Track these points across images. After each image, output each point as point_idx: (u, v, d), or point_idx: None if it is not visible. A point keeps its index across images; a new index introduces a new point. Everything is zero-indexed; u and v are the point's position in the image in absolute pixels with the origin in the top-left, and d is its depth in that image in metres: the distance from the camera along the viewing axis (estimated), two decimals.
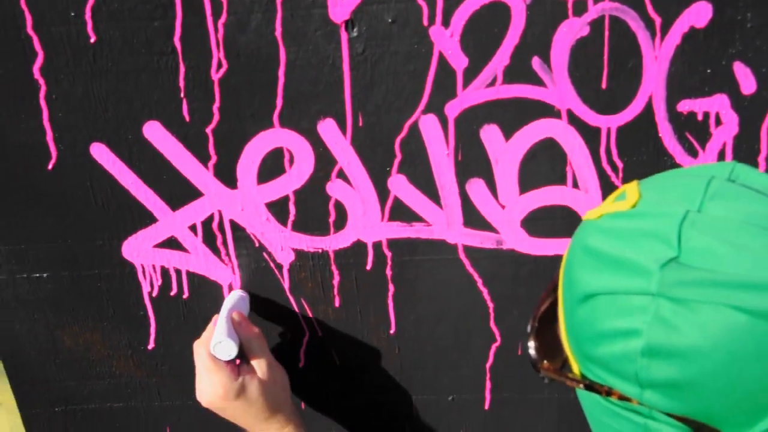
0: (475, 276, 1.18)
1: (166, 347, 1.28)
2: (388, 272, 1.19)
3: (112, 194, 1.16)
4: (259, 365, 1.12)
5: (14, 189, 1.16)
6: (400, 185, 1.13)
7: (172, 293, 1.24)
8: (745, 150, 1.05)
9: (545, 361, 0.77)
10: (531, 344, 0.78)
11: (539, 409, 1.27)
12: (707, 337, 0.60)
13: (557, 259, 1.15)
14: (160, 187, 1.16)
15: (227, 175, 1.14)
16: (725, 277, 0.60)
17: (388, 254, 1.18)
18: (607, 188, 1.09)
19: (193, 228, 1.18)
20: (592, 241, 0.69)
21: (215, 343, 1.08)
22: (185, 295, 1.24)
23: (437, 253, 1.17)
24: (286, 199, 1.15)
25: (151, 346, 1.28)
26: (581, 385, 0.72)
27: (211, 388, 1.08)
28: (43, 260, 1.22)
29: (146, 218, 1.18)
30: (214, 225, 1.18)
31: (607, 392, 0.70)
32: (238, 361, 1.11)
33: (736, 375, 0.60)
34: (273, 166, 1.13)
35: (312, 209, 1.16)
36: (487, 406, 1.28)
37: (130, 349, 1.29)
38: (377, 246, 1.18)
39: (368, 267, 1.19)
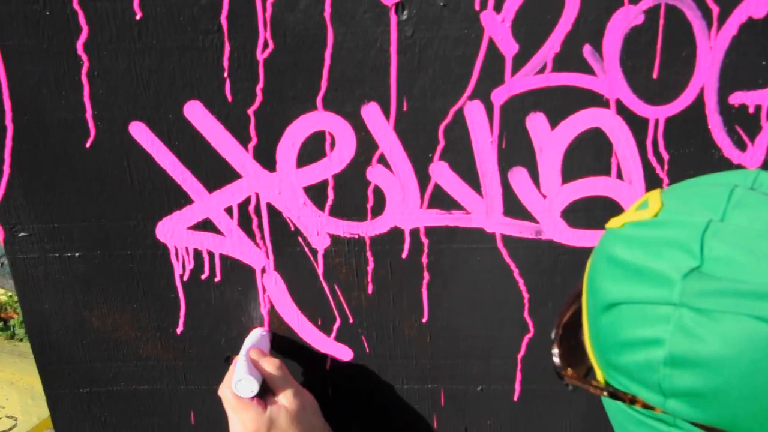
0: (512, 266, 1.17)
1: (195, 331, 1.27)
2: (424, 260, 1.18)
3: (148, 174, 1.15)
4: (285, 396, 1.12)
5: (51, 166, 1.15)
6: (441, 172, 1.12)
7: (204, 276, 1.22)
8: None
9: (569, 369, 0.78)
10: (555, 351, 0.79)
11: (568, 401, 1.26)
12: (729, 347, 0.60)
13: None
14: (198, 168, 1.14)
15: (267, 158, 1.13)
16: (747, 287, 0.60)
17: (425, 242, 1.17)
18: (652, 180, 1.09)
19: (229, 210, 1.17)
20: (614, 250, 0.70)
21: (236, 382, 1.09)
22: (217, 279, 1.22)
23: (475, 241, 1.16)
24: (324, 183, 1.14)
25: (180, 329, 1.27)
26: (605, 393, 0.73)
27: (241, 426, 1.09)
28: (75, 239, 1.20)
29: (182, 199, 1.17)
30: (251, 208, 1.17)
31: (631, 400, 0.70)
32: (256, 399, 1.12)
33: (758, 384, 0.60)
34: (313, 149, 1.12)
35: (350, 194, 1.15)
36: (516, 398, 1.27)
37: (159, 332, 1.27)
38: (414, 233, 1.16)
39: (404, 254, 1.18)
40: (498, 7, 1.01)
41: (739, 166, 1.06)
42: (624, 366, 0.69)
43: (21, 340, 3.76)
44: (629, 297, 0.67)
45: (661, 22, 1.00)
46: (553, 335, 0.80)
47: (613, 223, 0.73)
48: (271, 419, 1.09)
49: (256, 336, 1.22)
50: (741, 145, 1.05)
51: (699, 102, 1.03)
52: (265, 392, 1.13)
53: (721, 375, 0.61)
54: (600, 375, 0.74)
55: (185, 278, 1.22)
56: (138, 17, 1.05)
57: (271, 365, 1.14)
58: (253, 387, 1.09)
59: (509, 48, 1.04)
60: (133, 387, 1.32)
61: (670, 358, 0.64)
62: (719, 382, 0.62)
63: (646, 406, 0.69)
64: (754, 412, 0.62)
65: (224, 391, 1.11)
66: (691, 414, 0.65)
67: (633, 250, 0.68)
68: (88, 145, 1.13)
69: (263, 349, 1.19)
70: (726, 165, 1.06)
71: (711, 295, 0.61)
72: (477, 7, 1.02)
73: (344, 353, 1.26)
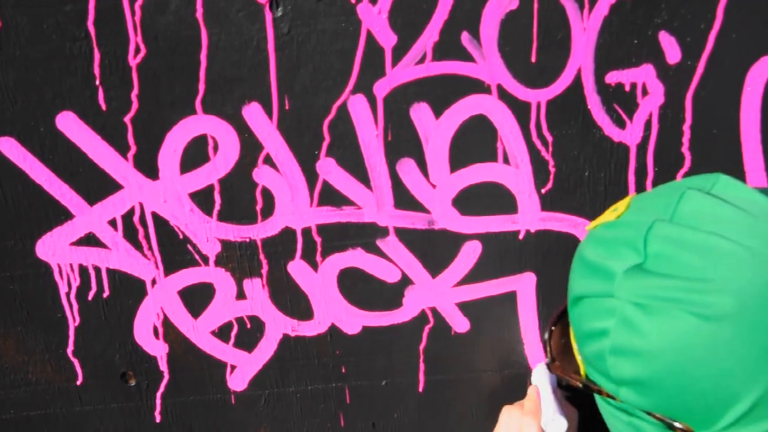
0: (403, 257, 1.16)
1: (87, 350, 1.22)
2: (318, 259, 1.16)
3: (23, 191, 1.10)
4: None
5: None
6: (328, 169, 1.11)
7: (92, 292, 1.18)
8: (670, 119, 1.06)
9: (556, 362, 0.84)
10: (547, 348, 0.85)
11: (473, 388, 1.26)
12: (663, 339, 0.65)
13: (488, 237, 1.14)
14: (76, 181, 1.10)
15: (148, 166, 1.09)
16: (680, 283, 0.64)
17: (318, 240, 1.15)
18: (538, 163, 1.10)
19: (112, 223, 1.13)
20: (584, 248, 0.75)
21: (549, 420, 1.09)
22: (105, 294, 1.18)
23: (369, 236, 1.15)
24: (210, 188, 1.11)
25: (70, 348, 1.22)
26: (580, 384, 0.78)
27: None
28: None
29: (62, 215, 1.12)
30: (135, 218, 1.13)
31: (599, 391, 0.75)
32: None
33: (690, 374, 0.64)
34: (196, 154, 1.09)
35: (238, 198, 1.12)
36: (421, 389, 1.27)
37: (48, 353, 1.22)
38: (306, 232, 1.15)
39: (298, 254, 1.16)
40: None
41: (620, 144, 1.08)
42: (587, 356, 0.74)
43: None
44: (586, 291, 0.73)
45: (536, 5, 1.00)
46: (547, 334, 0.86)
47: (591, 225, 0.77)
48: None
49: (548, 372, 1.20)
50: (620, 123, 1.07)
51: (577, 83, 1.05)
52: None
53: (656, 365, 0.65)
54: (582, 369, 0.78)
55: (72, 296, 1.18)
56: None
57: (569, 409, 1.14)
58: (563, 427, 1.08)
59: (388, 39, 1.03)
60: (24, 414, 1.27)
61: (613, 348, 0.69)
62: (655, 371, 0.66)
63: (609, 395, 0.74)
64: (690, 400, 0.66)
65: (529, 422, 1.10)
66: (640, 402, 0.70)
67: (596, 248, 0.73)
68: None
69: (554, 384, 1.17)
70: (607, 143, 1.08)
71: (647, 289, 0.66)
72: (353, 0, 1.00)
73: (243, 359, 1.23)
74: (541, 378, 1.20)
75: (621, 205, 0.75)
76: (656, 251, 0.67)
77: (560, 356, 0.84)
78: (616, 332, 0.68)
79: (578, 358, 0.78)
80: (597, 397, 0.78)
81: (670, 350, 0.64)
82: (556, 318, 0.86)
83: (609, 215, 0.75)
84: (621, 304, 0.68)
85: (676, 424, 0.68)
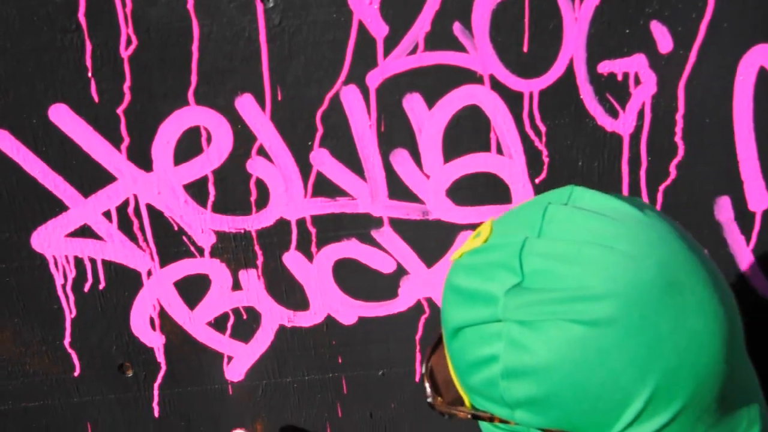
0: (398, 248, 1.16)
1: (83, 340, 1.23)
2: (313, 249, 1.17)
3: (17, 183, 1.10)
4: None
5: None
6: (322, 159, 1.11)
7: (88, 284, 1.18)
8: (663, 108, 1.06)
9: (438, 398, 0.81)
10: (426, 384, 0.82)
11: None
12: (553, 352, 0.64)
13: None
14: (70, 173, 1.10)
15: (142, 158, 1.10)
16: (562, 294, 0.64)
17: (313, 231, 1.15)
18: (532, 153, 1.10)
19: (107, 214, 1.13)
20: (454, 278, 0.73)
21: None
22: (101, 285, 1.18)
23: (363, 227, 1.15)
24: (204, 179, 1.11)
25: (67, 340, 1.22)
26: (469, 416, 0.76)
27: None
28: None
29: (56, 207, 1.12)
30: (130, 210, 1.13)
31: (490, 418, 0.74)
32: None
33: (583, 382, 0.64)
34: (190, 146, 1.09)
35: (232, 189, 1.12)
36: (418, 379, 1.27)
37: (45, 345, 1.23)
38: (301, 223, 1.15)
39: (292, 245, 1.16)
40: None
41: (613, 134, 1.08)
42: (475, 386, 0.72)
43: None
44: (468, 320, 0.70)
45: None
46: (423, 368, 0.83)
47: (455, 255, 0.76)
48: None
49: None
50: (613, 113, 1.07)
51: (570, 73, 1.05)
52: None
53: (550, 379, 0.65)
54: (466, 400, 0.77)
55: (68, 288, 1.18)
56: None
57: None
58: None
59: (379, 30, 1.03)
60: (22, 405, 1.27)
61: (505, 372, 0.67)
62: (550, 386, 0.65)
63: (502, 420, 0.72)
64: (585, 408, 0.66)
65: None
66: (536, 421, 0.69)
67: (467, 276, 0.71)
68: None
69: None
70: (600, 133, 1.08)
71: (531, 306, 0.65)
72: None
73: (240, 350, 1.23)
74: None
75: (483, 230, 0.74)
76: (532, 268, 0.66)
77: (441, 391, 0.83)
78: (505, 355, 0.67)
79: (461, 389, 0.77)
80: (485, 425, 0.77)
81: (561, 362, 0.64)
82: (430, 353, 0.84)
83: (473, 242, 0.74)
84: (507, 326, 0.67)
85: None
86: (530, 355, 0.65)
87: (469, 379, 0.73)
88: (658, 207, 1.12)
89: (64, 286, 1.18)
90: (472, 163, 1.11)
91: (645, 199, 1.11)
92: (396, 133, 1.09)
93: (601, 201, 0.70)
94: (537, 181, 1.11)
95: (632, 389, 0.64)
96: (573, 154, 1.09)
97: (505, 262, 0.68)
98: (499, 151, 1.10)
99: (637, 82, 1.05)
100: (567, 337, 0.64)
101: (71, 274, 1.17)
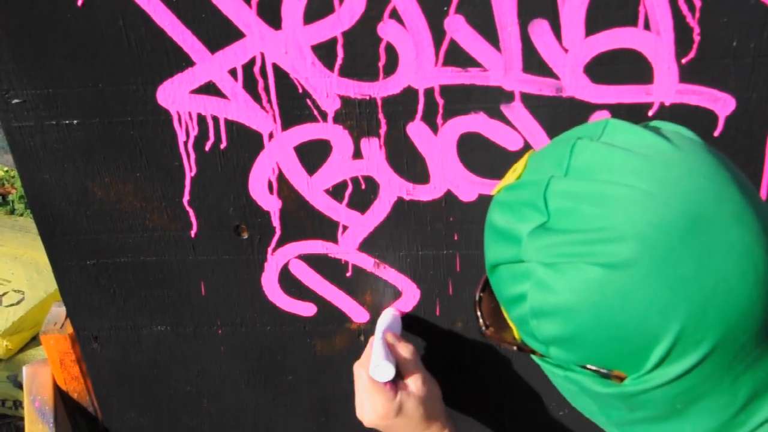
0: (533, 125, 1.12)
1: (202, 200, 1.23)
2: (439, 121, 1.13)
3: (146, 34, 1.08)
4: (414, 382, 1.17)
5: (41, 26, 1.08)
6: (457, 26, 1.05)
7: (209, 143, 1.17)
8: None
9: (490, 328, 0.84)
10: (478, 313, 0.85)
11: None
12: (575, 294, 0.66)
13: (618, 107, 1.09)
14: (199, 27, 1.08)
15: (271, 14, 1.06)
16: (582, 236, 0.65)
17: (440, 102, 1.11)
18: (681, 30, 1.02)
19: (233, 72, 1.11)
20: (491, 215, 0.76)
21: (373, 367, 1.13)
22: (223, 145, 1.17)
23: (493, 101, 1.11)
24: (334, 41, 1.08)
25: (186, 198, 1.23)
26: (515, 348, 0.80)
27: (372, 409, 1.13)
28: (72, 106, 1.15)
29: (183, 61, 1.11)
30: (256, 69, 1.11)
31: (532, 351, 0.77)
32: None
33: (606, 324, 0.65)
34: (321, 4, 1.05)
35: (361, 53, 1.09)
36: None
37: (164, 201, 1.23)
38: (429, 93, 1.11)
39: (418, 116, 1.13)
40: None
41: None
42: (515, 321, 0.75)
43: (21, 215, 3.73)
44: (501, 258, 0.73)
45: None
46: (477, 297, 0.86)
47: (495, 189, 0.77)
48: (400, 405, 1.13)
49: (389, 317, 1.26)
50: None
51: None
52: (396, 376, 1.15)
53: (575, 320, 0.67)
54: (516, 332, 0.78)
55: (189, 145, 1.17)
56: None
57: (405, 350, 1.19)
58: (389, 373, 1.13)
59: None
60: (140, 258, 1.30)
61: (532, 311, 0.70)
62: (576, 326, 0.67)
63: (541, 355, 0.76)
64: (613, 348, 0.67)
65: (360, 372, 1.16)
66: (570, 357, 0.71)
67: (503, 213, 0.73)
68: (79, 3, 1.06)
69: (396, 331, 1.22)
70: (762, 10, 0.99)
71: (552, 247, 0.66)
72: None
73: (355, 219, 1.22)
74: (378, 325, 1.24)
75: (519, 165, 0.75)
76: (557, 208, 0.67)
77: (493, 321, 0.84)
78: (532, 295, 0.69)
79: (509, 321, 0.78)
80: (534, 357, 0.79)
81: (585, 304, 0.65)
82: (483, 283, 0.85)
83: (510, 177, 0.75)
84: (532, 267, 0.68)
85: (609, 372, 0.70)
86: (555, 296, 0.67)
87: (510, 313, 0.75)
88: None
89: (186, 143, 1.17)
90: (615, 38, 1.04)
91: None
92: (537, 1, 1.03)
93: (632, 135, 0.69)
94: (684, 60, 1.04)
95: (657, 331, 0.64)
96: (728, 32, 1.02)
97: (531, 201, 0.69)
98: (647, 26, 1.03)
99: None
100: (587, 279, 0.65)
101: (193, 132, 1.16)
